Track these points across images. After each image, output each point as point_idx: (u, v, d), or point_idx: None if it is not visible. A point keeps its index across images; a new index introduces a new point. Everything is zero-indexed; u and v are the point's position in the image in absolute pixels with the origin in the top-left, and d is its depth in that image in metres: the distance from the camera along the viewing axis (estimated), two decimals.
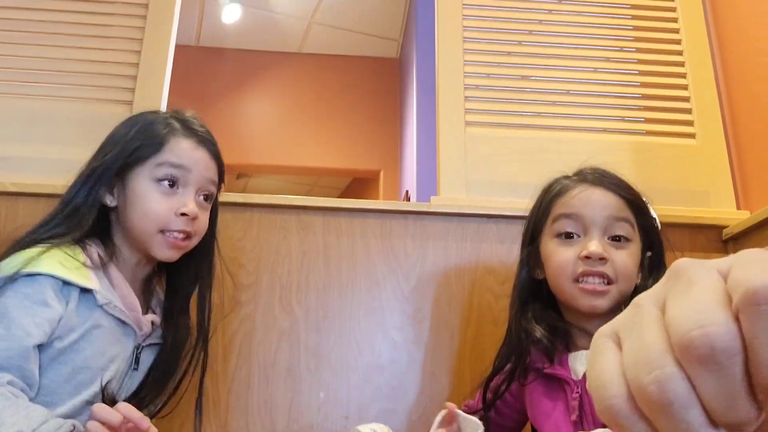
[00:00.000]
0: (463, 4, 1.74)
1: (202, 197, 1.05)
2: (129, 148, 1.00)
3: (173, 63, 1.67)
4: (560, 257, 0.97)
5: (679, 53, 1.73)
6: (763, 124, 1.53)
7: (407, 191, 3.45)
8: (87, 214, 0.99)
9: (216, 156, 1.08)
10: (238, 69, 4.26)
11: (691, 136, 1.65)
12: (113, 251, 1.00)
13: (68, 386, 0.90)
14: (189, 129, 1.05)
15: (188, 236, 1.02)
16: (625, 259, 0.95)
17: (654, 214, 1.03)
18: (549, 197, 1.05)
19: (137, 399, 1.02)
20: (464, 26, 1.72)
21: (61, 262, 0.90)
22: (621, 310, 0.78)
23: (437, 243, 1.48)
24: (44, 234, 0.96)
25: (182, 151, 1.01)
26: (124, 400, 0.98)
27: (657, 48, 1.74)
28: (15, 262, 0.90)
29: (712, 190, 1.60)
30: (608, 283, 0.95)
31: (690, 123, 1.67)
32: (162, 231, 0.99)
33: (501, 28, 1.73)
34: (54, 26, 1.65)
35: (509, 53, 1.72)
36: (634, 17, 1.78)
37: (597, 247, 0.93)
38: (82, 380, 0.91)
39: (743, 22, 1.64)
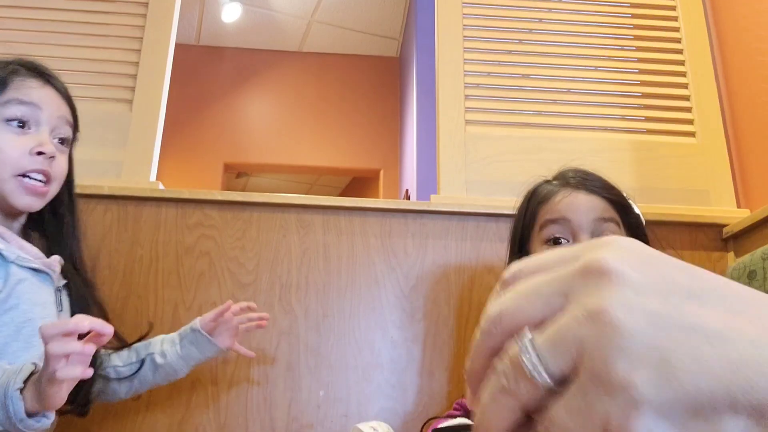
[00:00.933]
0: (463, 3, 1.74)
1: (57, 140, 0.99)
2: None
3: (173, 62, 1.67)
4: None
5: (680, 52, 1.73)
6: (764, 123, 1.52)
7: (407, 190, 3.45)
8: None
9: (66, 96, 1.02)
10: (238, 68, 4.26)
11: (691, 134, 1.65)
12: None
13: (18, 344, 0.88)
14: (34, 69, 0.99)
15: (48, 179, 0.96)
16: None
17: (637, 210, 1.04)
18: (534, 203, 1.04)
19: None
20: (464, 25, 1.72)
21: None
22: None
23: (437, 242, 1.48)
24: None
25: (29, 89, 0.96)
26: None
27: (657, 46, 1.74)
28: None
29: (712, 188, 1.60)
30: None
31: (690, 122, 1.67)
32: (19, 176, 0.93)
33: (501, 27, 1.73)
34: (54, 25, 1.65)
35: (509, 52, 1.72)
36: (634, 16, 1.78)
37: None
38: (29, 333, 0.89)
39: (743, 21, 1.64)
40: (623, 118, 1.68)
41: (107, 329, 0.70)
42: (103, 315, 1.06)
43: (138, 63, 1.63)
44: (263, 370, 1.37)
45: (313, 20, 4.00)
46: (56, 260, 1.00)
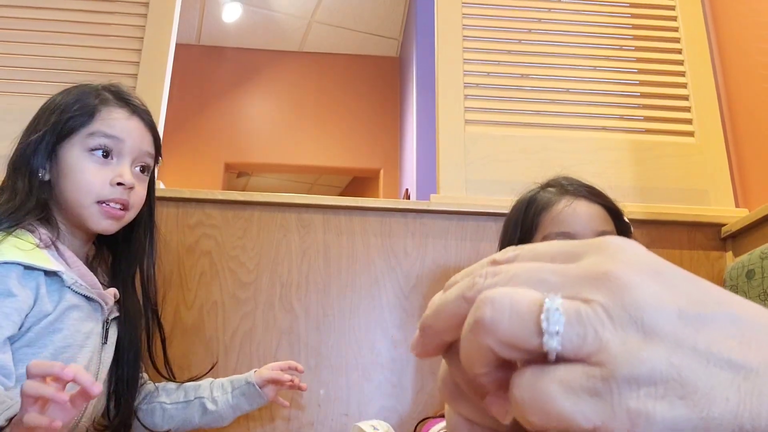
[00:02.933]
0: (463, 3, 1.74)
1: (138, 169, 1.03)
2: (61, 119, 0.98)
3: (174, 61, 1.68)
4: None
5: (679, 51, 1.74)
6: (762, 123, 1.53)
7: (407, 190, 3.46)
8: (27, 192, 0.95)
9: (151, 126, 1.05)
10: (238, 67, 4.26)
11: (690, 134, 1.66)
12: (57, 230, 0.97)
13: None
14: (121, 99, 1.02)
15: (125, 207, 0.99)
16: None
17: (627, 219, 1.04)
18: (535, 211, 1.02)
19: (116, 377, 1.03)
20: (464, 25, 1.72)
21: (17, 246, 0.87)
22: None
23: (437, 241, 1.48)
24: None
25: (114, 120, 0.99)
26: (106, 377, 1.00)
27: (656, 46, 1.74)
28: None
29: (711, 188, 1.60)
30: None
31: (689, 121, 1.67)
32: (99, 202, 0.97)
33: (501, 27, 1.74)
34: (54, 25, 1.65)
35: (509, 52, 1.72)
36: (634, 16, 1.78)
37: None
38: (65, 359, 0.90)
39: (742, 21, 1.64)
40: (622, 117, 1.69)
41: (93, 390, 0.64)
42: (151, 352, 1.12)
43: (138, 63, 1.63)
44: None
45: (313, 20, 4.00)
46: (111, 293, 1.02)
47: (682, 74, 1.71)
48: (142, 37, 1.65)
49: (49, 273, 0.90)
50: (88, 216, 0.97)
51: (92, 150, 0.97)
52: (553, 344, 0.20)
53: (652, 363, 0.19)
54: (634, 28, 1.77)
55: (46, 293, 0.89)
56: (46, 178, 0.98)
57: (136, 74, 1.62)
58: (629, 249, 0.23)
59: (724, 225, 1.52)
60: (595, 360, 0.20)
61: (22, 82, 1.60)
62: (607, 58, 1.73)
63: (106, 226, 0.98)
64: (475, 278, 0.24)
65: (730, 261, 1.46)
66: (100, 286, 0.99)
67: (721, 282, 1.39)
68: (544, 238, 0.99)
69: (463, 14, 1.73)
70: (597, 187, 1.04)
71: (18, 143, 1.01)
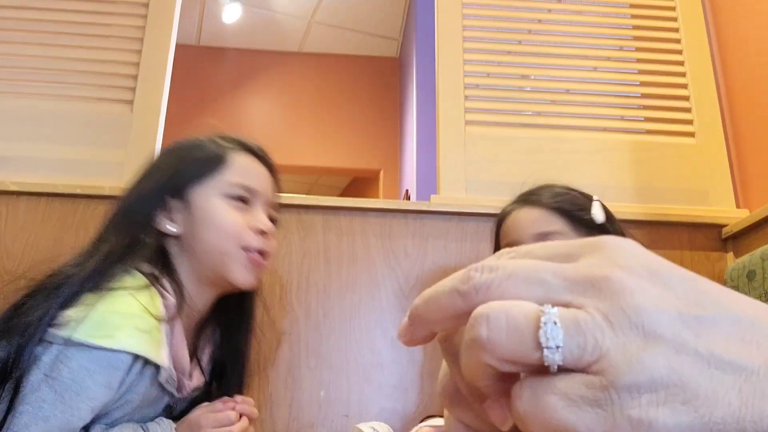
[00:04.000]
0: (463, 4, 1.74)
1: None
2: (184, 167, 0.93)
3: (174, 62, 1.68)
4: None
5: (679, 52, 1.74)
6: (763, 123, 1.53)
7: (407, 190, 3.45)
8: (153, 246, 0.87)
9: (277, 177, 1.01)
10: (238, 68, 4.26)
11: (691, 135, 1.66)
12: (181, 292, 0.87)
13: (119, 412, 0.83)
14: (243, 145, 0.98)
15: (264, 257, 0.93)
16: None
17: (597, 210, 1.01)
18: (497, 226, 1.10)
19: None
20: (464, 25, 1.72)
21: (138, 327, 0.77)
22: None
23: (437, 242, 1.48)
24: (112, 274, 0.81)
25: (247, 169, 0.95)
26: None
27: (656, 47, 1.74)
28: (91, 322, 0.75)
29: (712, 188, 1.60)
30: None
31: (689, 122, 1.67)
32: (240, 248, 0.90)
33: (501, 27, 1.74)
34: (54, 26, 1.65)
35: (509, 52, 1.72)
36: (634, 16, 1.78)
37: None
38: (131, 414, 0.84)
39: (742, 22, 1.64)
40: (622, 118, 1.69)
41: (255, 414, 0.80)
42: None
43: (138, 63, 1.63)
44: (264, 371, 1.37)
45: (313, 21, 4.00)
46: (194, 385, 0.92)
47: (682, 75, 1.71)
48: (142, 38, 1.65)
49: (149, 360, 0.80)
50: (234, 264, 0.90)
51: (230, 197, 0.92)
52: (554, 358, 0.20)
53: (653, 369, 0.19)
54: (634, 29, 1.77)
55: (134, 382, 0.80)
56: (177, 231, 0.91)
57: (136, 75, 1.62)
58: (626, 249, 0.22)
59: (724, 226, 1.51)
60: (596, 369, 0.20)
61: (22, 83, 1.60)
62: (607, 58, 1.73)
63: (249, 278, 0.92)
64: (471, 272, 0.23)
65: (731, 262, 1.46)
66: (187, 372, 0.90)
67: (723, 282, 1.39)
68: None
69: (464, 15, 1.73)
70: (559, 189, 1.05)
71: (130, 190, 0.94)
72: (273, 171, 1.00)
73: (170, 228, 0.90)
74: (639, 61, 1.73)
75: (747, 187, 1.58)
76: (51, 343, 0.74)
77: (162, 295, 0.83)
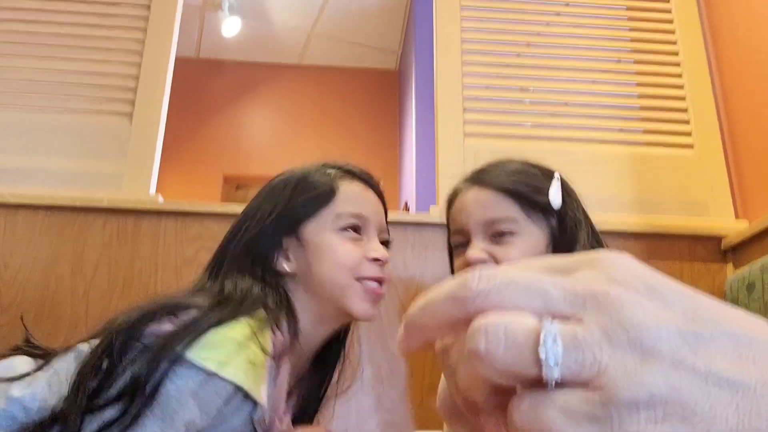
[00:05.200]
0: (462, 17, 1.75)
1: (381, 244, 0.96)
2: (297, 205, 0.91)
3: (173, 75, 1.68)
4: (456, 270, 0.96)
5: (677, 64, 1.74)
6: (761, 134, 1.53)
7: (406, 202, 3.46)
8: (269, 285, 0.85)
9: (383, 199, 0.99)
10: (237, 80, 4.28)
11: (689, 146, 1.66)
12: (296, 331, 0.85)
13: None
14: (350, 172, 0.96)
15: (381, 284, 0.91)
16: (512, 253, 0.87)
17: (554, 191, 0.92)
18: (447, 209, 1.00)
19: None
20: (463, 38, 1.73)
21: (249, 359, 0.75)
22: None
23: (436, 253, 1.48)
24: (230, 310, 0.79)
25: (356, 197, 0.93)
26: None
27: (654, 59, 1.75)
28: (205, 344, 0.73)
29: (711, 200, 1.60)
30: None
31: (688, 134, 1.67)
32: (356, 279, 0.88)
33: (499, 40, 1.74)
34: (54, 38, 1.66)
35: (508, 65, 1.72)
36: (632, 29, 1.79)
37: (472, 252, 0.88)
38: None
39: (739, 33, 1.65)
40: (621, 130, 1.69)
41: None
42: None
43: (138, 76, 1.63)
44: None
45: (313, 34, 4.02)
46: (280, 430, 0.88)
47: (680, 87, 1.72)
48: (142, 51, 1.66)
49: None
50: (350, 296, 0.88)
51: (343, 229, 0.90)
52: (552, 375, 0.20)
53: (652, 385, 0.19)
54: (632, 41, 1.78)
55: (229, 414, 0.76)
56: (291, 269, 0.89)
57: (136, 87, 1.62)
58: (623, 264, 0.22)
59: (724, 237, 1.51)
60: (595, 384, 0.20)
61: (21, 95, 1.60)
62: (606, 71, 1.73)
63: (367, 309, 0.89)
64: (468, 279, 0.23)
65: (731, 273, 1.46)
66: (280, 412, 0.87)
67: (722, 294, 1.39)
68: (450, 237, 0.97)
69: (462, 28, 1.74)
70: (516, 165, 0.95)
71: (236, 231, 0.93)
72: (380, 195, 0.98)
73: (287, 267, 0.89)
74: (637, 73, 1.74)
75: (746, 198, 1.58)
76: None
77: (273, 332, 0.81)
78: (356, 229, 0.91)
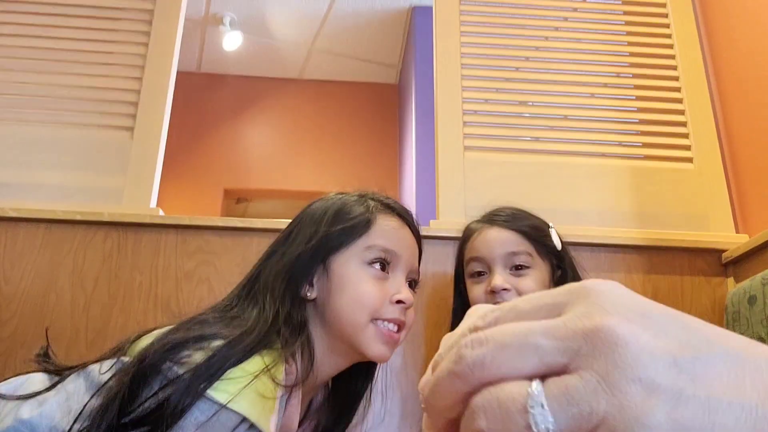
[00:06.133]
0: (462, 32, 1.76)
1: (408, 284, 0.92)
2: (333, 230, 0.89)
3: (174, 89, 1.69)
4: (474, 294, 1.10)
5: (676, 78, 1.75)
6: (761, 148, 1.54)
7: None
8: (293, 314, 0.83)
9: (418, 238, 0.97)
10: (238, 95, 4.29)
11: (689, 160, 1.66)
12: (311, 359, 0.84)
13: None
14: (390, 207, 0.95)
15: (400, 328, 0.88)
16: (529, 284, 1.06)
17: (555, 237, 1.12)
18: (462, 242, 1.18)
19: None
20: (462, 53, 1.74)
21: (259, 391, 0.73)
22: None
23: (436, 268, 1.48)
24: (254, 343, 0.77)
25: (390, 231, 0.90)
26: None
27: (653, 73, 1.76)
28: (232, 384, 0.72)
29: (711, 213, 1.60)
30: None
31: (687, 147, 1.68)
32: (374, 320, 0.86)
33: (498, 55, 1.75)
34: (55, 53, 1.67)
35: (507, 79, 1.73)
36: (631, 44, 1.80)
37: (497, 281, 1.05)
38: None
39: (738, 46, 1.66)
40: (620, 144, 1.70)
41: None
42: None
43: (139, 90, 1.64)
44: None
45: (314, 48, 4.04)
46: None
47: (679, 101, 1.73)
48: (144, 65, 1.67)
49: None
50: (363, 337, 0.85)
51: (370, 263, 0.87)
52: None
53: (655, 426, 0.19)
54: (631, 56, 1.79)
55: None
56: (313, 295, 0.87)
57: (137, 102, 1.63)
58: (612, 293, 0.22)
59: (724, 251, 1.51)
60: None
61: (23, 109, 1.61)
62: (605, 85, 1.74)
63: (384, 351, 0.86)
64: (461, 350, 0.23)
65: (732, 287, 1.45)
66: None
67: (723, 307, 1.39)
68: (467, 264, 1.14)
69: (462, 42, 1.75)
70: (523, 213, 1.15)
71: (269, 257, 0.91)
72: (417, 235, 0.96)
73: (307, 294, 0.87)
74: (636, 87, 1.75)
75: (746, 212, 1.58)
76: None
77: (287, 362, 0.78)
78: (384, 264, 0.88)
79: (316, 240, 0.88)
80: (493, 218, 1.14)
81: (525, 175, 1.61)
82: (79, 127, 1.60)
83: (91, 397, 0.71)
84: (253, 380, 0.72)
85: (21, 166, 1.54)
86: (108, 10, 1.72)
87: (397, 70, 4.29)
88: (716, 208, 1.61)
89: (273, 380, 0.75)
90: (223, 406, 0.70)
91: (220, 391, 0.71)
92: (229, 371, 0.72)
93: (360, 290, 0.85)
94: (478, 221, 1.17)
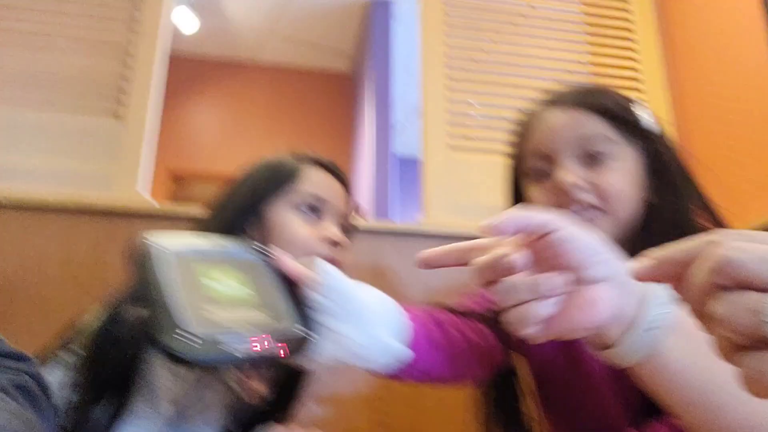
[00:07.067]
0: (445, 33, 1.81)
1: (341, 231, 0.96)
2: (260, 185, 0.94)
3: None
4: (534, 197, 0.83)
5: (637, 89, 1.87)
6: (714, 143, 1.66)
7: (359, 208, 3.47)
8: None
9: (346, 186, 1.00)
10: (191, 76, 4.20)
11: None
12: None
13: None
14: (320, 162, 0.99)
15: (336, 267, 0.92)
16: (611, 178, 0.77)
17: (643, 113, 0.82)
18: (515, 140, 0.89)
19: None
20: (446, 54, 1.79)
21: None
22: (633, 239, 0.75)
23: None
24: None
25: (318, 181, 0.96)
26: None
27: (614, 73, 1.87)
28: None
29: None
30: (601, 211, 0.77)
31: None
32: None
33: (484, 59, 1.81)
34: (44, 39, 1.60)
35: (492, 83, 1.79)
36: (591, 62, 1.91)
37: (565, 176, 0.77)
38: None
39: (698, 62, 1.78)
40: None
41: None
42: None
43: (128, 75, 1.61)
44: None
45: (270, 33, 4.00)
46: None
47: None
48: (132, 50, 1.62)
49: None
50: None
51: (301, 208, 0.92)
52: None
53: None
54: (591, 65, 1.89)
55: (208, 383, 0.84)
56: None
57: (125, 87, 1.59)
58: None
59: None
60: None
61: (10, 93, 1.54)
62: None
63: None
64: (727, 252, 0.30)
65: None
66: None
67: None
68: (522, 162, 0.86)
69: (446, 44, 1.79)
70: (598, 87, 0.86)
71: (213, 209, 0.96)
72: (347, 186, 1.01)
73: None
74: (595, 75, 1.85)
75: None
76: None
77: None
78: (315, 211, 0.94)
79: (246, 189, 0.94)
80: (554, 98, 0.85)
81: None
82: (67, 112, 1.55)
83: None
84: None
85: (9, 151, 1.48)
86: None
87: (352, 60, 4.31)
88: None
89: None
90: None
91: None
92: None
93: (291, 231, 0.90)
94: (535, 105, 0.88)
